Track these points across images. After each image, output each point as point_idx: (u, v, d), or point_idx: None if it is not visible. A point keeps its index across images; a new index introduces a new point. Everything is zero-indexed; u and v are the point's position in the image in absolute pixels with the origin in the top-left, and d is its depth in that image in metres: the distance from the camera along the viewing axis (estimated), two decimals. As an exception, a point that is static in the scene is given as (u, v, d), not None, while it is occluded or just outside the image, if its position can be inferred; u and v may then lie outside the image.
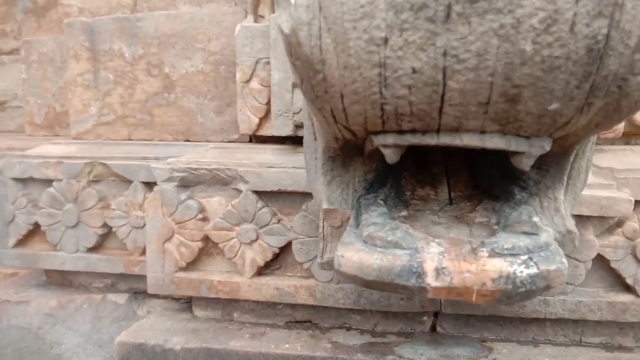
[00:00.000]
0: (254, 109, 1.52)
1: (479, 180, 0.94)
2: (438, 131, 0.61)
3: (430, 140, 0.62)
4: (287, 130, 1.41)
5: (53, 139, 1.92)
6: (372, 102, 0.57)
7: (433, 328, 1.41)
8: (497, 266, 0.60)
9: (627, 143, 1.43)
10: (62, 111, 2.08)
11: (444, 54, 0.51)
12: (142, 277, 1.64)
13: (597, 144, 1.40)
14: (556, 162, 0.75)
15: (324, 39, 0.53)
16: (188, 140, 1.74)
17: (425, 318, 1.40)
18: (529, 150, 0.61)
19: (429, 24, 0.50)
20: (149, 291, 1.48)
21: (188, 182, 1.42)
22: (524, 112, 0.55)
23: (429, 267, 0.61)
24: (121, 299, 1.73)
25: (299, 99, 1.38)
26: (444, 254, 0.63)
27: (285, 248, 1.39)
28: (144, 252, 1.60)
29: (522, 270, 0.60)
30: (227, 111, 1.69)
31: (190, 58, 1.69)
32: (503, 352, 1.31)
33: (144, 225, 1.57)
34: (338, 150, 0.79)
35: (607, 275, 1.28)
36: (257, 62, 1.50)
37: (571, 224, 0.77)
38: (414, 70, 0.53)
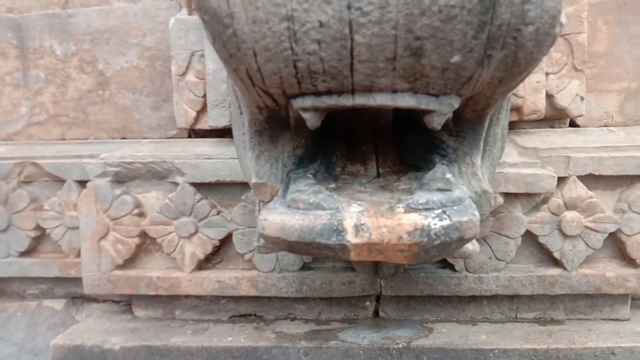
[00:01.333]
0: (190, 102, 1.51)
1: (406, 156, 0.96)
2: (353, 92, 0.63)
3: (346, 101, 0.63)
4: (223, 121, 1.40)
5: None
6: (285, 59, 0.58)
7: (376, 313, 1.42)
8: (412, 219, 0.62)
9: (552, 127, 1.51)
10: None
11: (349, 7, 0.53)
12: (79, 281, 1.57)
13: (522, 127, 1.47)
14: (472, 129, 0.78)
15: (231, -7, 0.54)
16: (125, 138, 1.70)
17: (367, 303, 1.41)
18: (438, 108, 0.63)
19: (331, -23, 0.51)
20: (85, 291, 1.43)
21: (123, 177, 1.38)
22: (428, 67, 0.57)
23: (349, 224, 0.62)
24: (58, 304, 1.66)
25: (234, 89, 1.38)
26: (363, 212, 0.64)
27: (226, 240, 1.38)
28: (79, 254, 1.55)
29: (435, 222, 0.62)
30: (164, 107, 1.67)
31: (125, 54, 1.66)
32: (443, 331, 1.34)
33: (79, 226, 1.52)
34: (264, 122, 0.79)
35: (536, 250, 1.33)
36: (192, 55, 1.49)
37: (487, 185, 0.80)
38: (321, 24, 0.54)
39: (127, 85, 1.67)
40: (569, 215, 1.27)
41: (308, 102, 0.64)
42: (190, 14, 1.53)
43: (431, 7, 0.52)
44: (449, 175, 0.68)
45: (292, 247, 0.65)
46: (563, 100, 1.42)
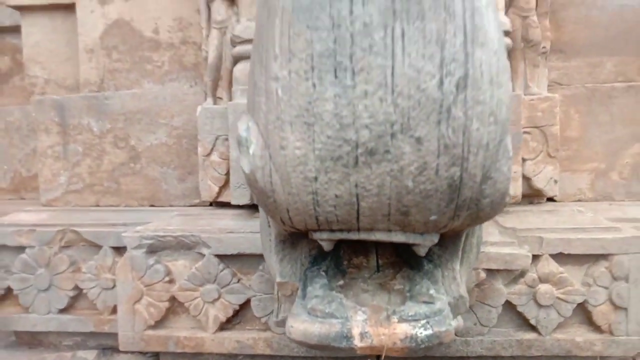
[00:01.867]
0: (214, 179, 1.73)
1: (400, 250, 1.17)
2: (358, 230, 0.84)
3: (353, 236, 0.84)
4: (244, 200, 1.61)
5: (20, 203, 2.05)
6: (310, 215, 0.79)
7: (376, 369, 1.61)
8: (403, 329, 0.82)
9: (531, 202, 1.72)
10: (28, 176, 2.22)
11: (356, 186, 0.74)
12: (110, 334, 1.78)
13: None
14: (452, 242, 0.99)
15: (273, 177, 0.76)
16: (153, 205, 1.91)
17: (368, 360, 1.60)
18: (422, 243, 0.84)
19: (344, 168, 0.73)
20: (121, 349, 1.62)
21: (155, 247, 1.59)
22: (414, 221, 0.79)
23: (356, 332, 0.83)
24: (90, 355, 1.85)
25: (254, 173, 1.59)
26: (367, 321, 0.85)
27: (245, 304, 1.57)
28: (113, 311, 1.75)
29: (421, 332, 0.82)
30: (188, 179, 1.89)
31: (155, 132, 1.88)
32: (435, 387, 1.52)
33: (113, 286, 1.73)
34: (287, 235, 1.00)
35: (515, 317, 1.53)
36: (216, 139, 1.71)
37: (464, 290, 1.00)
38: (337, 196, 0.75)
39: (156, 160, 1.89)
40: (543, 287, 1.47)
41: (324, 235, 0.86)
42: (215, 102, 1.76)
43: (414, 190, 0.73)
44: (432, 292, 0.89)
45: (313, 347, 0.85)
46: (539, 182, 1.64)
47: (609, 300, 1.48)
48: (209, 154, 1.72)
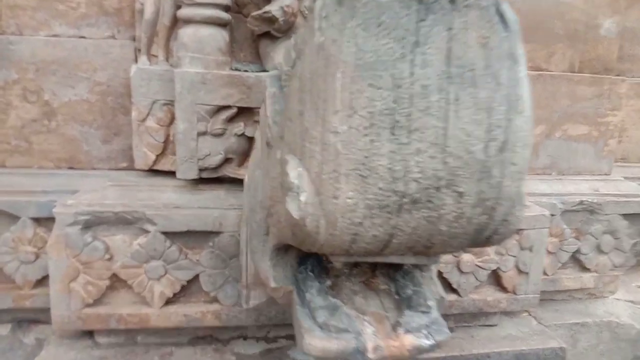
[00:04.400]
0: (150, 146, 1.61)
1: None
2: (377, 255, 0.89)
3: (369, 259, 0.90)
4: (192, 175, 1.54)
5: None
6: (343, 249, 0.82)
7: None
8: (410, 341, 0.92)
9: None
10: None
11: (393, 227, 0.79)
12: (31, 309, 1.66)
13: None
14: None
15: (320, 221, 0.76)
16: (72, 168, 1.73)
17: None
18: (428, 263, 0.93)
19: (388, 214, 0.76)
20: (55, 328, 1.53)
21: (91, 223, 1.48)
22: (432, 252, 0.86)
23: (370, 346, 0.91)
24: (4, 330, 1.71)
25: (203, 146, 1.52)
26: (376, 334, 0.93)
27: (192, 279, 1.56)
28: (35, 286, 1.62)
29: (425, 342, 0.93)
30: (114, 140, 1.73)
31: (74, 87, 1.67)
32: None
33: (35, 260, 1.59)
34: (284, 245, 1.02)
35: (440, 282, 1.74)
36: (153, 103, 1.58)
37: (442, 290, 1.13)
38: (374, 236, 0.79)
39: (75, 118, 1.69)
40: (465, 257, 1.69)
41: (343, 259, 0.90)
42: (149, 59, 1.60)
43: (446, 233, 0.80)
44: (430, 302, 0.99)
45: (328, 360, 0.92)
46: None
47: (515, 266, 1.75)
48: (144, 119, 1.59)
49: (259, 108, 1.50)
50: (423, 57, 0.70)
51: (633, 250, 2.09)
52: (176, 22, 1.57)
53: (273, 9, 1.46)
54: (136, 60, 1.67)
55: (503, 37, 0.76)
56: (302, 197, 0.76)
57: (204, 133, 1.51)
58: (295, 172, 0.76)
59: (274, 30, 1.52)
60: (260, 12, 1.49)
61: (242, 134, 1.54)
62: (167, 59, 1.60)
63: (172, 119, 1.61)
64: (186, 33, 1.45)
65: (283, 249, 1.05)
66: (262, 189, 1.14)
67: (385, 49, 0.70)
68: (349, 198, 0.74)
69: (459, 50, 0.72)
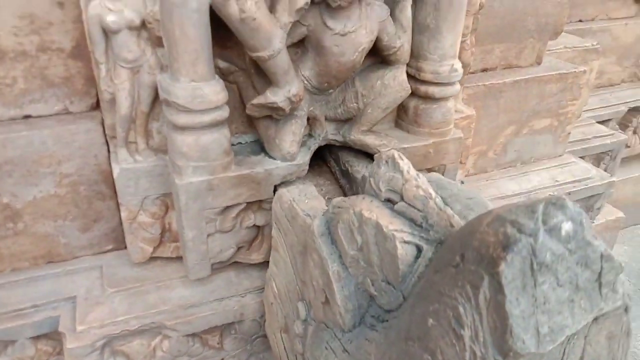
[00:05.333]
0: (146, 241, 1.49)
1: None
2: None
3: None
4: (205, 273, 1.46)
5: None
6: None
7: None
8: None
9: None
10: None
11: None
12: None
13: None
14: None
15: None
16: (52, 262, 1.56)
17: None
18: None
19: None
20: None
21: (107, 343, 1.40)
22: None
23: None
24: None
25: (214, 245, 1.43)
26: None
27: (217, 361, 1.59)
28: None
29: None
30: (95, 226, 1.56)
31: (37, 185, 1.43)
32: None
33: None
34: None
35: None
36: (144, 199, 1.42)
37: None
38: None
39: (45, 214, 1.48)
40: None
41: None
42: (128, 150, 1.39)
43: None
44: None
45: None
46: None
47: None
48: (135, 217, 1.44)
49: (269, 198, 1.41)
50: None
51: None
52: (154, 107, 1.35)
53: (279, 100, 1.30)
54: (107, 144, 1.45)
55: (625, 322, 0.79)
56: None
57: (213, 233, 1.41)
58: None
59: (277, 115, 1.37)
60: (263, 101, 1.32)
61: (253, 225, 1.46)
62: (147, 144, 1.40)
63: (167, 210, 1.48)
64: (185, 142, 1.26)
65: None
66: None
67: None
68: None
69: (591, 352, 0.75)
